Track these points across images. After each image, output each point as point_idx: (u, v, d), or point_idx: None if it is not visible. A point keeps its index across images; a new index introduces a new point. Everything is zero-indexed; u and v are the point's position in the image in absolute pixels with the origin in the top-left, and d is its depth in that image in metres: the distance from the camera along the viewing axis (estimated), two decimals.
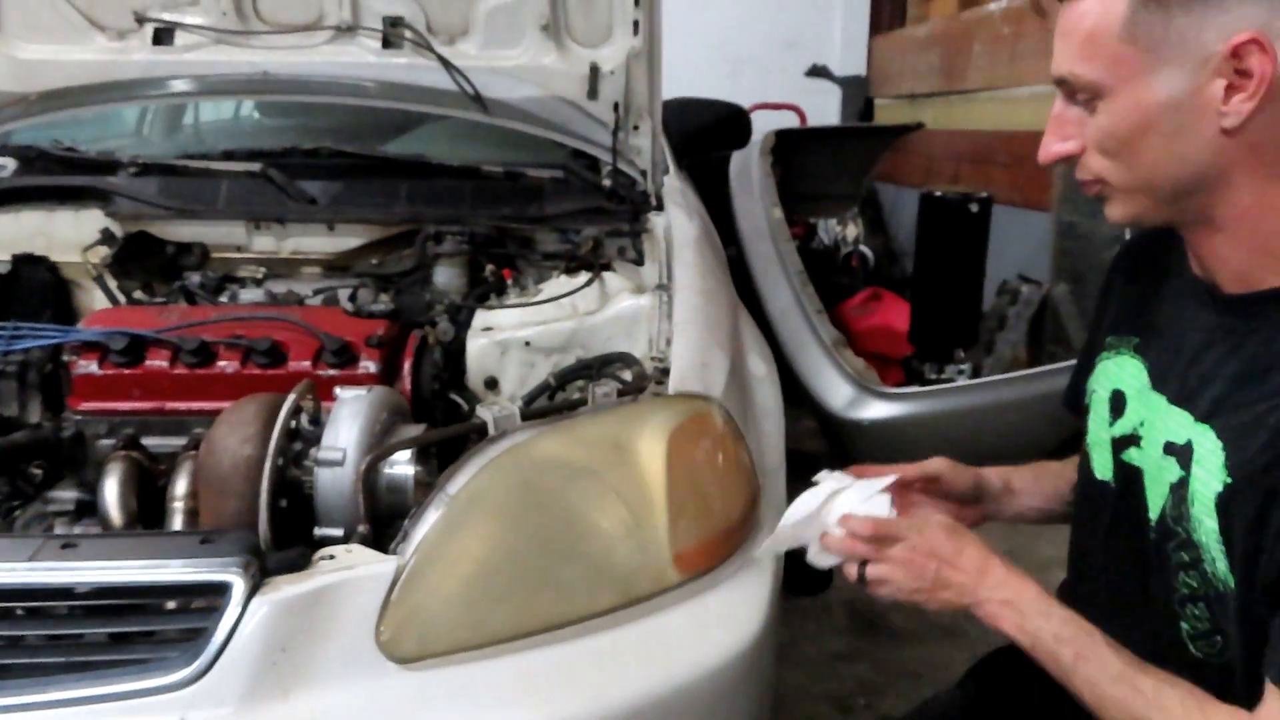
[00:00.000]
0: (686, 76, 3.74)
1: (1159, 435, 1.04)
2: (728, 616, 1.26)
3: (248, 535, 1.07)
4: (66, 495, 1.48)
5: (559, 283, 1.83)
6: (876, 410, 3.03)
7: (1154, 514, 1.04)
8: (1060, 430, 3.12)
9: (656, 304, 1.71)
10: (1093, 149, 0.97)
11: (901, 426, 3.04)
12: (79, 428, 1.50)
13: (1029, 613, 1.02)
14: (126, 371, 1.50)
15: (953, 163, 5.08)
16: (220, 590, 1.02)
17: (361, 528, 1.19)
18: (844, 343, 3.35)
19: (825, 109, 6.39)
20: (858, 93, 6.47)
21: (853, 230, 5.49)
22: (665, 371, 1.49)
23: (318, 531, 1.25)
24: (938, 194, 3.43)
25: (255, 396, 1.32)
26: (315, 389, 1.34)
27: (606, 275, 1.85)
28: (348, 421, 1.27)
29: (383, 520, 1.26)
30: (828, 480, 1.20)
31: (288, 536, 1.25)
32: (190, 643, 1.02)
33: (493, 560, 1.14)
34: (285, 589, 1.04)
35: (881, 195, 5.84)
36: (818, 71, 6.40)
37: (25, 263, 1.99)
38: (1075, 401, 1.25)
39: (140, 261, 1.99)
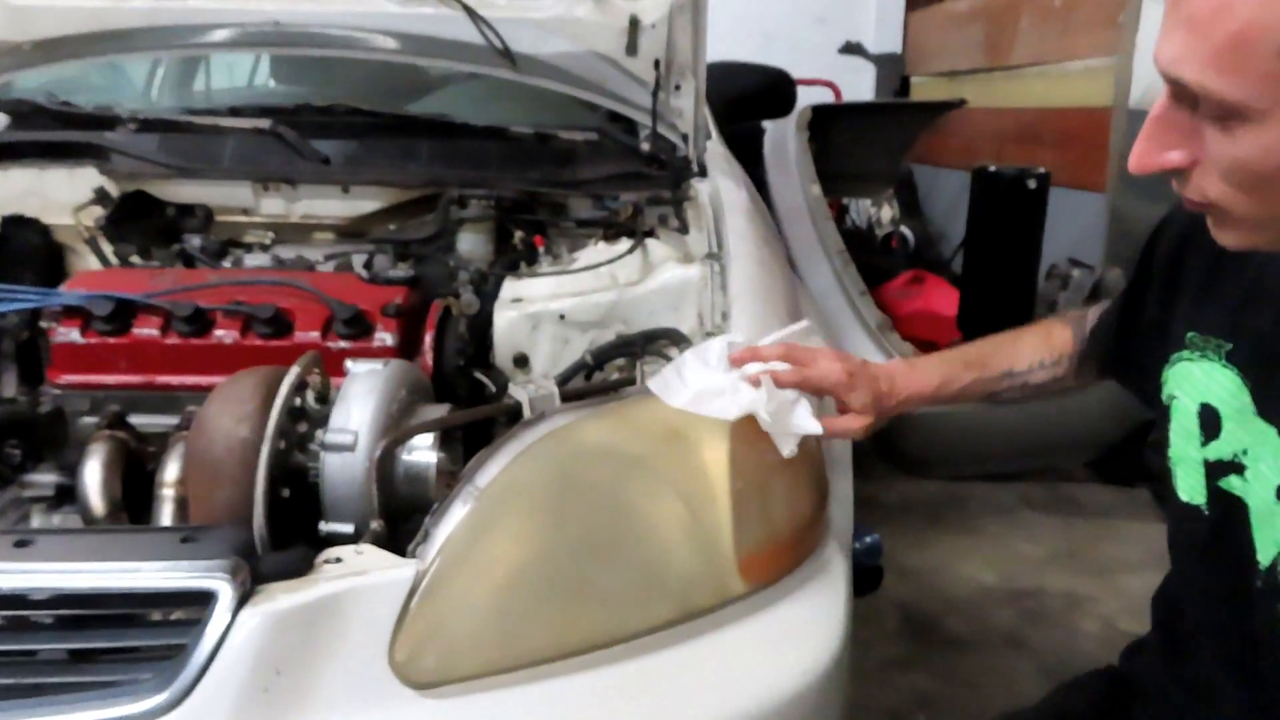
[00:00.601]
0: (715, 52, 3.54)
1: (1272, 475, 0.88)
2: (801, 633, 1.07)
3: (238, 533, 0.90)
4: (45, 479, 1.32)
5: (596, 250, 1.65)
6: None
7: (1264, 560, 0.89)
8: (1122, 425, 2.93)
9: (707, 274, 1.53)
10: (1214, 173, 0.78)
11: (954, 418, 2.85)
12: (58, 403, 1.34)
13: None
14: (112, 340, 1.33)
15: (995, 142, 4.87)
16: (203, 600, 0.85)
17: (375, 524, 1.01)
18: (890, 326, 3.16)
19: (859, 88, 6.16)
20: (893, 71, 6.24)
21: (888, 212, 5.28)
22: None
23: (324, 527, 1.08)
24: (992, 169, 3.23)
25: (254, 370, 1.14)
26: (323, 362, 1.16)
27: (649, 243, 1.67)
28: (360, 399, 1.09)
29: (400, 516, 1.08)
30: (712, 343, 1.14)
31: (289, 533, 1.07)
32: (167, 662, 0.84)
33: (529, 566, 0.96)
34: (281, 599, 0.86)
35: (918, 177, 5.63)
36: (852, 49, 6.17)
37: (15, 225, 1.82)
38: (1142, 387, 1.07)
39: (137, 223, 1.82)
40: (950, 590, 2.29)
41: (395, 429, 1.08)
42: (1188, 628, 1.02)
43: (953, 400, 1.19)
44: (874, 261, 4.34)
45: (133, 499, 1.23)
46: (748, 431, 1.14)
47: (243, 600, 0.86)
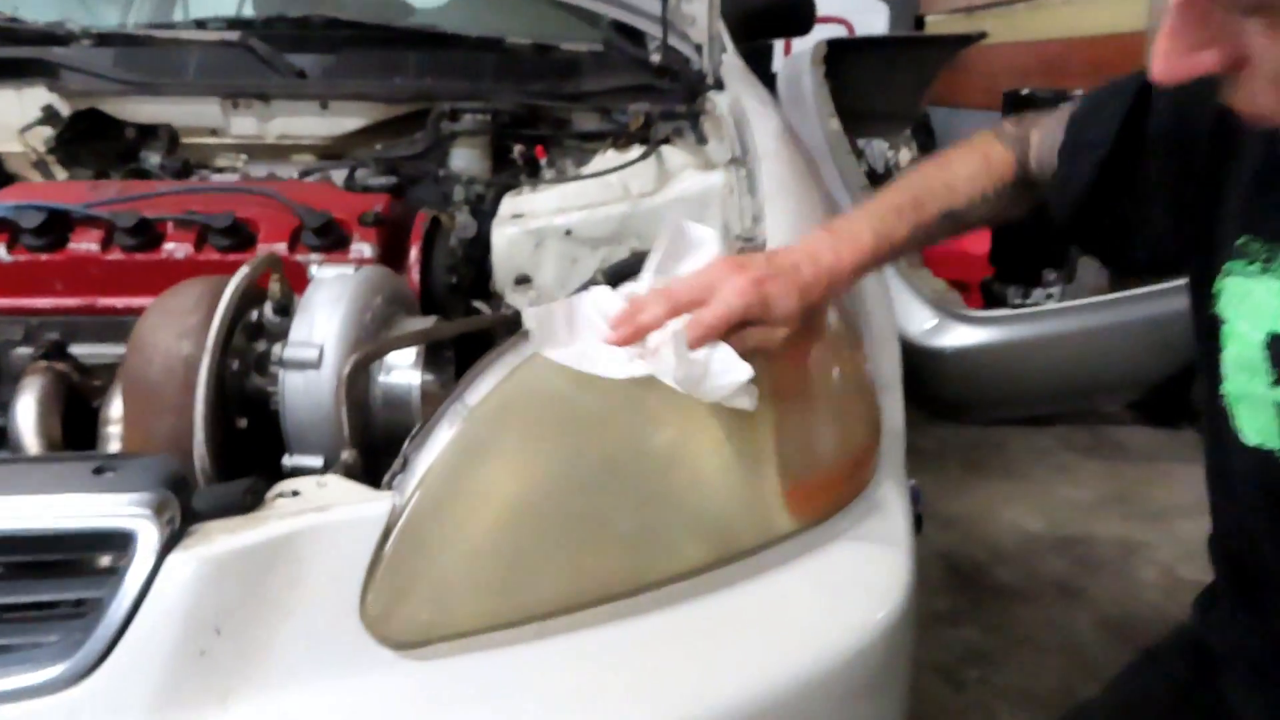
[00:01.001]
0: None
1: None
2: (860, 579, 0.90)
3: (165, 462, 0.72)
4: None
5: (606, 159, 1.46)
6: (960, 336, 2.66)
7: None
8: (1171, 359, 2.74)
9: (732, 180, 1.33)
10: (1270, 81, 0.60)
11: (989, 355, 2.67)
12: None
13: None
14: (44, 257, 1.14)
15: (1018, 78, 4.63)
16: (120, 543, 0.67)
17: (345, 454, 0.83)
18: (919, 262, 2.97)
19: (872, 29, 5.91)
20: (907, 10, 5.99)
21: (906, 154, 5.05)
22: (748, 241, 1.12)
23: (288, 461, 0.90)
24: (1025, 93, 3.01)
25: (201, 279, 0.96)
26: (282, 266, 0.97)
27: (665, 150, 1.47)
28: (326, 308, 0.91)
29: (380, 449, 0.90)
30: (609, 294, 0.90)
31: (251, 472, 0.89)
32: (76, 621, 0.67)
33: (531, 500, 0.78)
34: (220, 541, 0.69)
35: (935, 119, 5.39)
36: None
37: None
38: (1199, 312, 0.85)
39: (91, 145, 1.63)
40: (995, 538, 2.12)
41: (369, 343, 0.90)
42: (1261, 578, 0.84)
43: (890, 259, 0.94)
44: None
45: (74, 439, 1.06)
46: (791, 347, 0.96)
47: (171, 543, 0.68)
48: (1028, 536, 2.13)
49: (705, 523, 0.84)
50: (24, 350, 1.15)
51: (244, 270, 0.90)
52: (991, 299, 3.00)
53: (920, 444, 2.71)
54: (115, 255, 1.15)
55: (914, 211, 0.92)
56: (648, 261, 0.90)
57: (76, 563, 0.73)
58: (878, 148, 5.11)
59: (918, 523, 1.14)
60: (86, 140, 1.64)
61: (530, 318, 0.82)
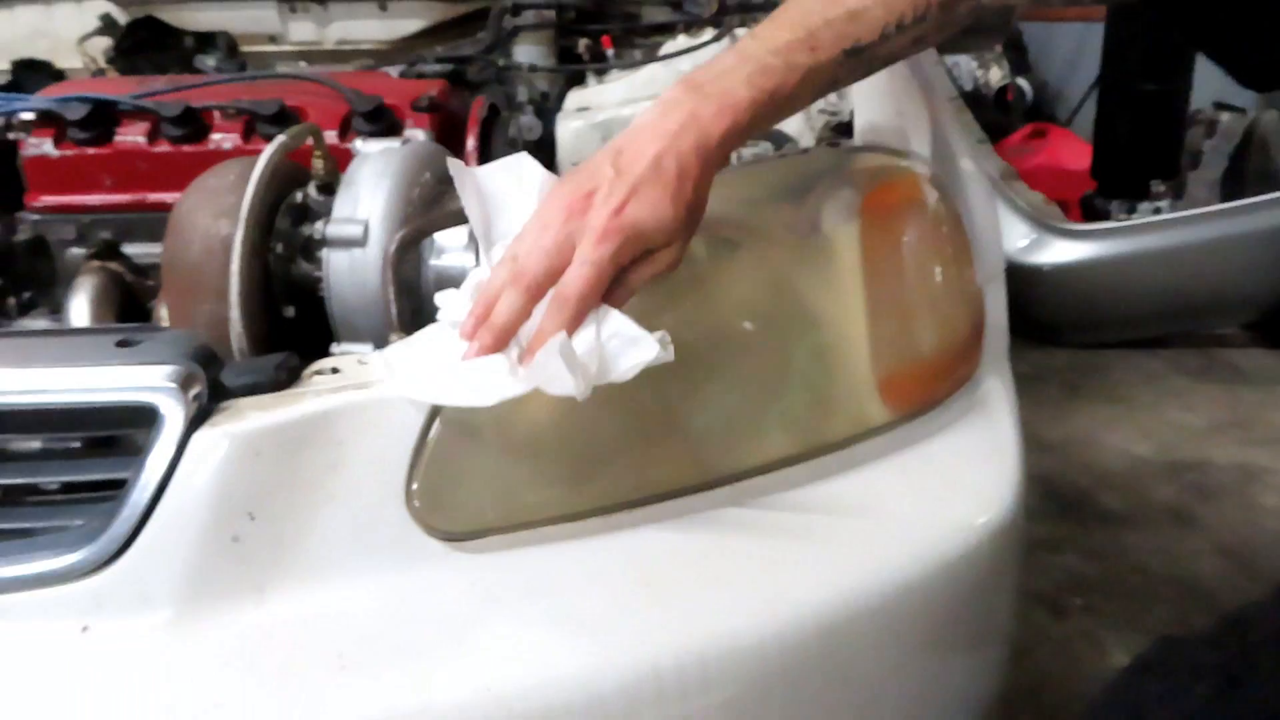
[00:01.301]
0: None
1: None
2: (964, 478, 0.80)
3: (192, 335, 0.65)
4: (35, 325, 1.11)
5: (676, 43, 1.35)
6: (1060, 252, 2.48)
7: None
8: None
9: None
10: None
11: (1091, 272, 2.49)
12: (38, 230, 1.11)
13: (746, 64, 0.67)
14: (91, 151, 1.09)
15: None
16: (145, 419, 0.61)
17: (393, 338, 0.76)
18: (1015, 175, 2.78)
19: None
20: None
21: (996, 73, 4.76)
22: (841, 128, 1.01)
23: (335, 349, 0.84)
24: None
25: (242, 159, 0.89)
26: (322, 138, 0.90)
27: (740, 35, 1.36)
28: (370, 183, 0.83)
29: None
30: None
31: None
32: (104, 505, 0.61)
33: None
34: (252, 418, 0.62)
35: (1027, 36, 5.07)
36: None
37: (25, 69, 1.61)
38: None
39: (149, 54, 1.59)
40: (1100, 464, 1.98)
41: (418, 218, 0.82)
42: None
43: (776, 120, 0.71)
44: (987, 117, 3.90)
45: None
46: (881, 215, 0.86)
47: (198, 420, 0.62)
48: (1136, 461, 1.98)
49: (790, 411, 0.75)
50: (77, 250, 1.12)
51: (279, 140, 0.83)
52: (1093, 215, 2.80)
53: (1016, 367, 2.55)
54: (162, 148, 1.09)
55: (806, 53, 0.68)
56: (478, 233, 0.69)
57: (112, 441, 0.68)
58: (965, 67, 4.84)
59: None
60: (144, 49, 1.60)
61: (384, 364, 0.65)
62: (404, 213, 0.83)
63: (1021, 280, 2.42)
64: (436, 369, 0.63)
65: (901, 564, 0.70)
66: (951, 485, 0.79)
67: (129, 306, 1.05)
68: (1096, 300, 2.47)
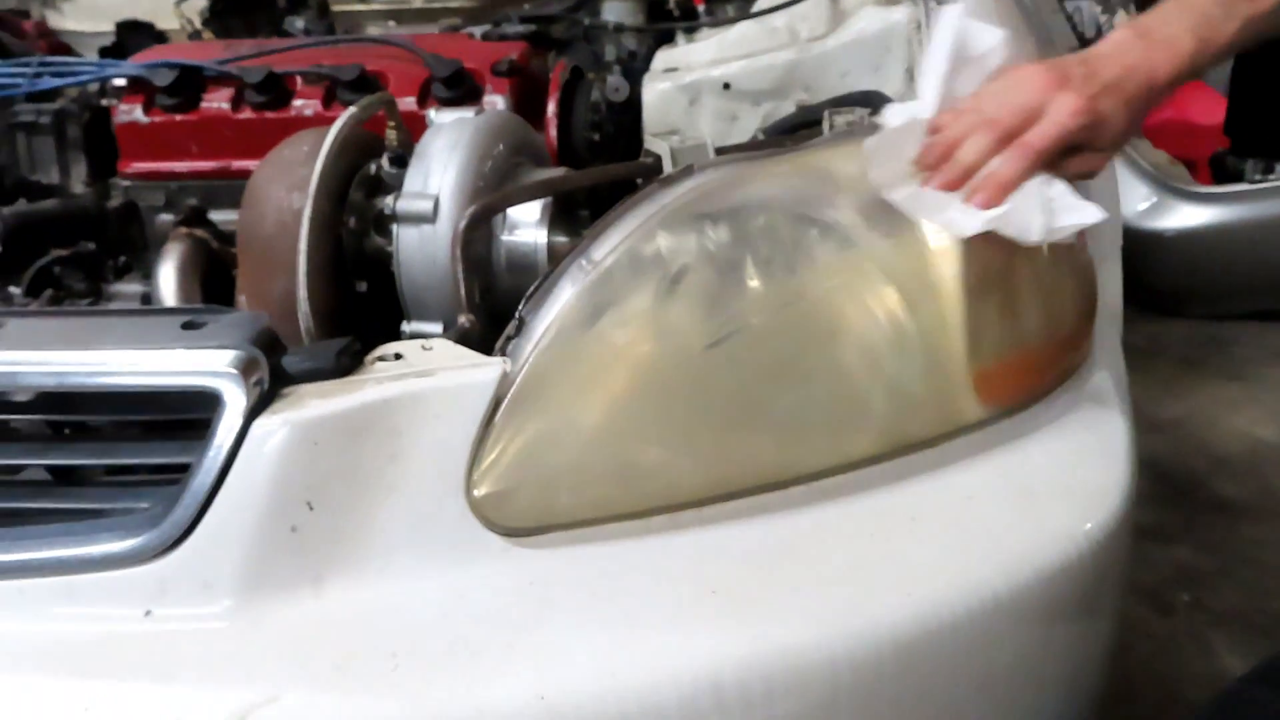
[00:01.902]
0: None
1: None
2: (1066, 480, 0.74)
3: (256, 318, 0.64)
4: (131, 289, 1.13)
5: None
6: (1185, 217, 2.31)
7: None
8: None
9: (919, 14, 1.13)
10: None
11: (1219, 238, 2.32)
12: (129, 196, 1.13)
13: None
14: (178, 118, 1.10)
15: None
16: (207, 404, 0.60)
17: (462, 318, 0.74)
18: (1138, 132, 2.60)
19: None
20: None
21: (1123, 18, 4.47)
22: None
23: (406, 328, 0.83)
24: None
25: (319, 129, 0.88)
26: (396, 107, 0.88)
27: None
28: (442, 157, 0.81)
29: (502, 314, 0.81)
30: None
31: (375, 340, 0.82)
32: (169, 489, 0.61)
33: (663, 372, 0.67)
34: (312, 405, 0.61)
35: None
36: None
37: (129, 30, 1.65)
38: None
39: (243, 14, 1.60)
40: (1217, 447, 1.85)
41: (490, 195, 0.80)
42: None
43: (1210, 67, 0.77)
44: None
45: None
46: None
47: (259, 406, 0.61)
48: (1259, 446, 1.85)
49: (874, 406, 0.70)
50: (166, 217, 1.13)
51: (350, 112, 0.82)
52: (1224, 176, 2.60)
53: (1130, 339, 2.40)
54: (245, 114, 1.09)
55: (1246, 1, 0.73)
56: (923, 72, 0.76)
57: (187, 425, 0.68)
58: (1088, 12, 4.55)
59: None
60: (239, 10, 1.61)
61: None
62: (475, 187, 0.80)
63: (1140, 247, 2.27)
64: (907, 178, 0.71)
65: (990, 577, 0.65)
66: (1052, 489, 0.73)
67: (215, 273, 1.06)
68: (1223, 269, 2.30)
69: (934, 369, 0.72)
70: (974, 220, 0.69)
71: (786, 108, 1.22)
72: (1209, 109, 2.97)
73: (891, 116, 0.75)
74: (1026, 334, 0.79)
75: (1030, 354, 0.78)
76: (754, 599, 0.61)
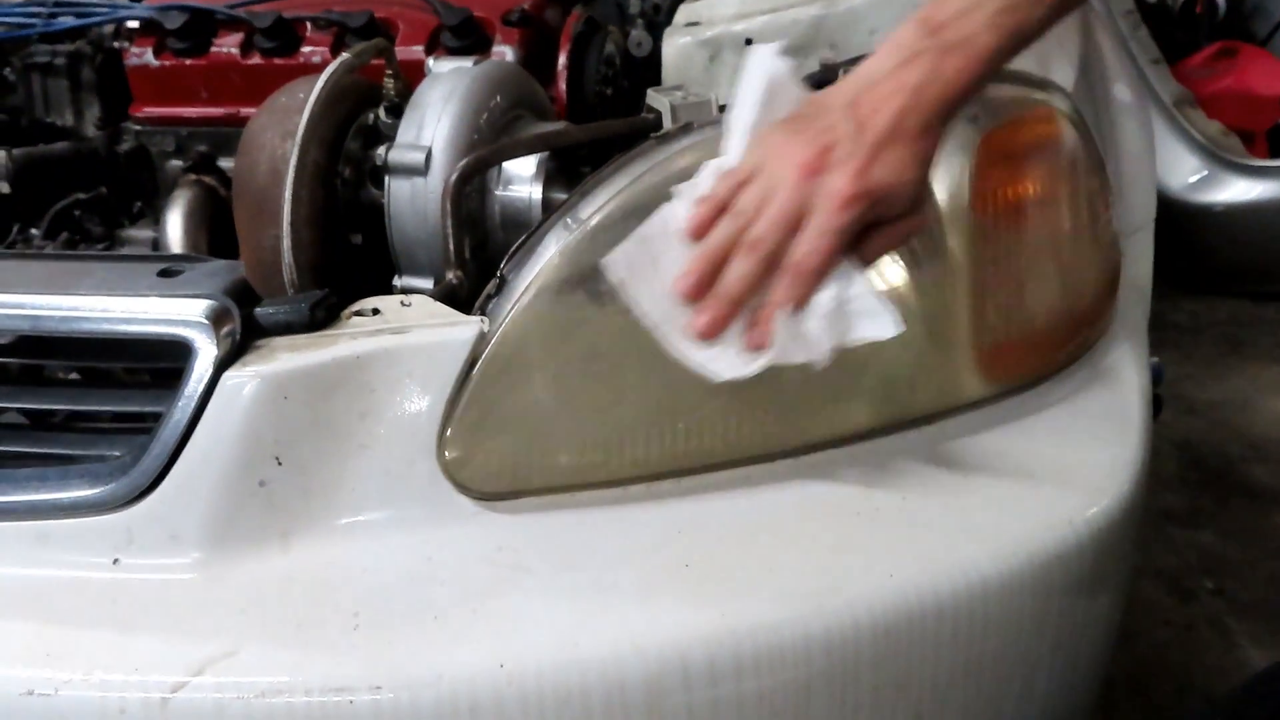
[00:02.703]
0: None
1: None
2: (1069, 462, 0.71)
3: (232, 267, 0.63)
4: (143, 235, 1.13)
5: None
6: (1237, 191, 2.22)
7: None
8: None
9: None
10: None
11: (1271, 214, 2.23)
12: (139, 140, 1.12)
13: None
14: (188, 62, 1.08)
15: None
16: (179, 354, 0.59)
17: (450, 275, 0.72)
18: (1191, 101, 2.50)
19: None
20: None
21: None
22: None
23: (398, 283, 0.81)
24: None
25: (316, 76, 0.86)
26: (394, 54, 0.85)
27: None
28: (437, 107, 0.78)
29: (495, 272, 0.79)
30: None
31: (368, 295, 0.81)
32: (140, 438, 0.60)
33: (647, 335, 0.64)
34: (282, 358, 0.60)
35: None
36: None
37: None
38: None
39: None
40: (1254, 431, 1.79)
41: (485, 148, 0.77)
42: None
43: (1014, 57, 0.61)
44: (1169, 34, 3.52)
45: (221, 254, 1.02)
46: (1003, 154, 0.75)
47: (231, 358, 0.59)
48: None
49: (877, 379, 0.68)
50: (177, 162, 1.13)
51: (343, 58, 0.79)
52: None
53: (1170, 317, 2.34)
54: (254, 60, 1.07)
55: None
56: (731, 118, 0.63)
57: (163, 374, 0.67)
58: None
59: (1155, 405, 0.92)
60: None
61: (612, 267, 0.59)
62: (470, 140, 0.78)
63: (1187, 220, 2.19)
64: (667, 299, 0.58)
65: (979, 561, 0.62)
66: (1056, 471, 0.70)
67: (222, 221, 1.05)
68: (1275, 246, 2.21)
69: (935, 341, 0.69)
70: (750, 364, 0.57)
71: (810, 66, 1.18)
72: (1271, 79, 2.84)
73: (704, 175, 0.62)
74: (1038, 307, 0.75)
75: (1041, 329, 0.75)
76: (728, 574, 0.59)
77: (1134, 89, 1.21)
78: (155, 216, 1.15)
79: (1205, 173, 2.20)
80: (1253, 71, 2.99)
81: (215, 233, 1.04)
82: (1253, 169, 2.21)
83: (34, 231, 1.08)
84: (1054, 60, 0.88)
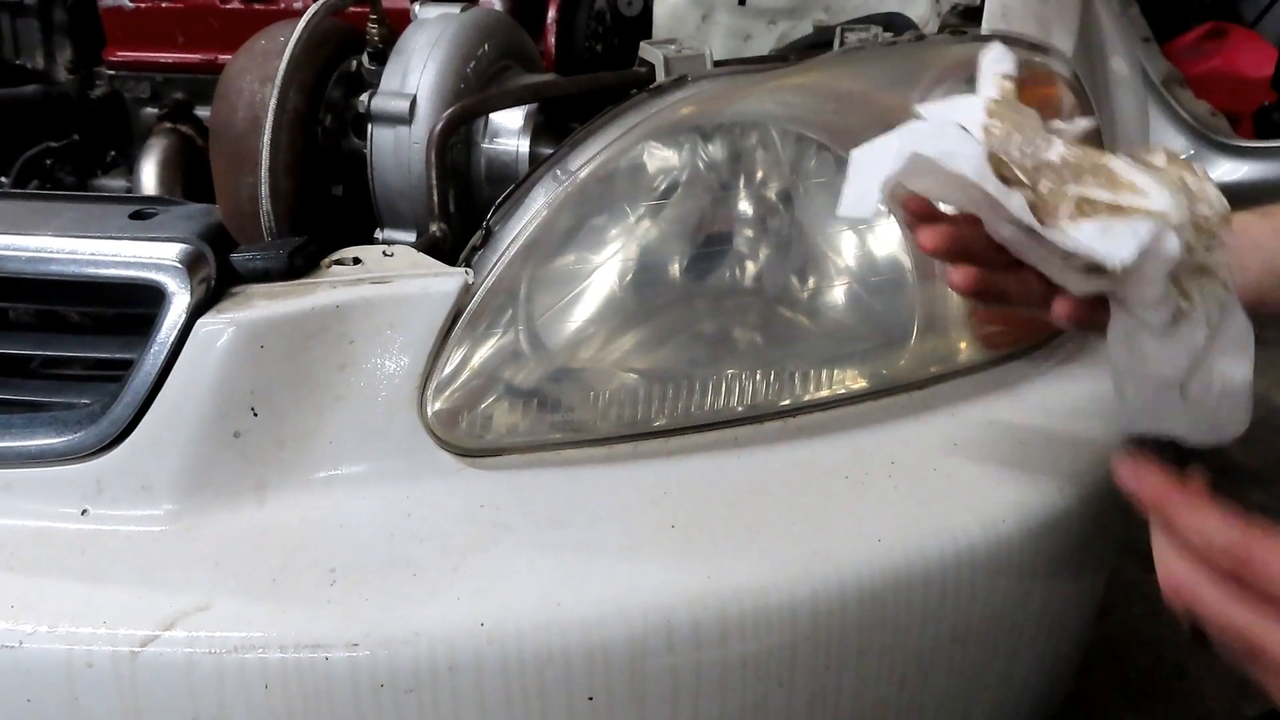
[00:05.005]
0: None
1: None
2: (1060, 431, 0.70)
3: (208, 211, 0.61)
4: (116, 185, 1.10)
5: None
6: (1224, 171, 2.22)
7: None
8: None
9: None
10: None
11: (1256, 194, 2.22)
12: (113, 86, 1.09)
13: None
14: (165, 4, 1.05)
15: None
16: (152, 299, 0.57)
17: (434, 227, 0.70)
18: (1180, 80, 2.49)
19: None
20: None
21: None
22: (969, 13, 0.87)
23: (380, 235, 0.79)
24: None
25: (295, 21, 0.83)
26: (380, 4, 0.83)
27: None
28: (422, 53, 0.76)
29: (478, 223, 0.77)
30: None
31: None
32: (106, 386, 0.58)
33: (635, 293, 0.63)
34: (259, 306, 0.58)
35: None
36: None
37: None
38: None
39: None
40: None
41: (471, 97, 0.75)
42: None
43: None
44: (1161, 13, 3.50)
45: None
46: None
47: (206, 304, 0.57)
48: (1273, 415, 1.79)
49: (865, 345, 0.67)
50: (151, 109, 1.09)
51: (325, 1, 0.76)
52: (1268, 131, 2.50)
53: None
54: (234, 4, 1.04)
55: None
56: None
57: (134, 320, 0.65)
58: None
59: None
60: None
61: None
62: (456, 89, 0.75)
63: None
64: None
65: (969, 527, 0.62)
66: (1045, 440, 0.70)
67: (198, 170, 1.02)
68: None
69: (928, 308, 0.68)
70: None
71: (804, 28, 1.16)
72: (1259, 61, 2.84)
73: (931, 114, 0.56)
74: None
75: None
76: (715, 536, 0.58)
77: (1130, 64, 1.20)
78: (129, 165, 1.11)
79: (1192, 152, 2.19)
80: (1241, 53, 2.98)
81: (191, 183, 1.02)
82: (1239, 149, 2.19)
83: (3, 180, 1.05)
84: (1055, 27, 0.86)
